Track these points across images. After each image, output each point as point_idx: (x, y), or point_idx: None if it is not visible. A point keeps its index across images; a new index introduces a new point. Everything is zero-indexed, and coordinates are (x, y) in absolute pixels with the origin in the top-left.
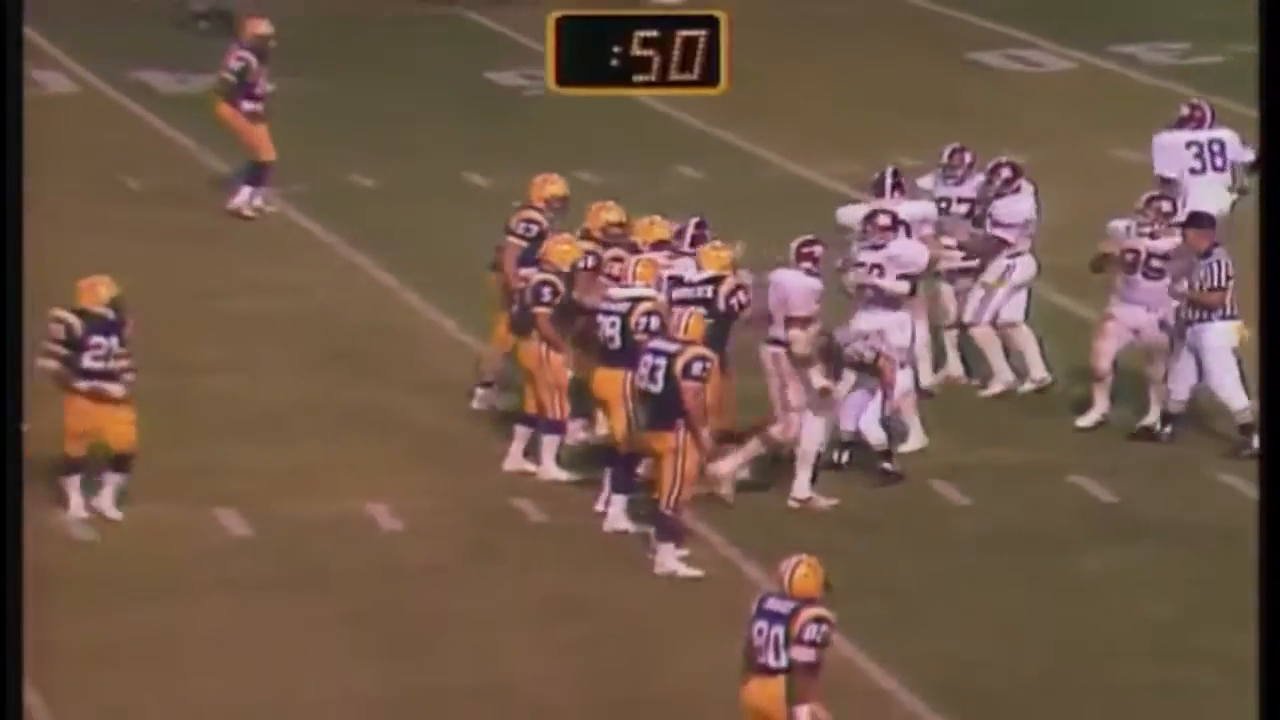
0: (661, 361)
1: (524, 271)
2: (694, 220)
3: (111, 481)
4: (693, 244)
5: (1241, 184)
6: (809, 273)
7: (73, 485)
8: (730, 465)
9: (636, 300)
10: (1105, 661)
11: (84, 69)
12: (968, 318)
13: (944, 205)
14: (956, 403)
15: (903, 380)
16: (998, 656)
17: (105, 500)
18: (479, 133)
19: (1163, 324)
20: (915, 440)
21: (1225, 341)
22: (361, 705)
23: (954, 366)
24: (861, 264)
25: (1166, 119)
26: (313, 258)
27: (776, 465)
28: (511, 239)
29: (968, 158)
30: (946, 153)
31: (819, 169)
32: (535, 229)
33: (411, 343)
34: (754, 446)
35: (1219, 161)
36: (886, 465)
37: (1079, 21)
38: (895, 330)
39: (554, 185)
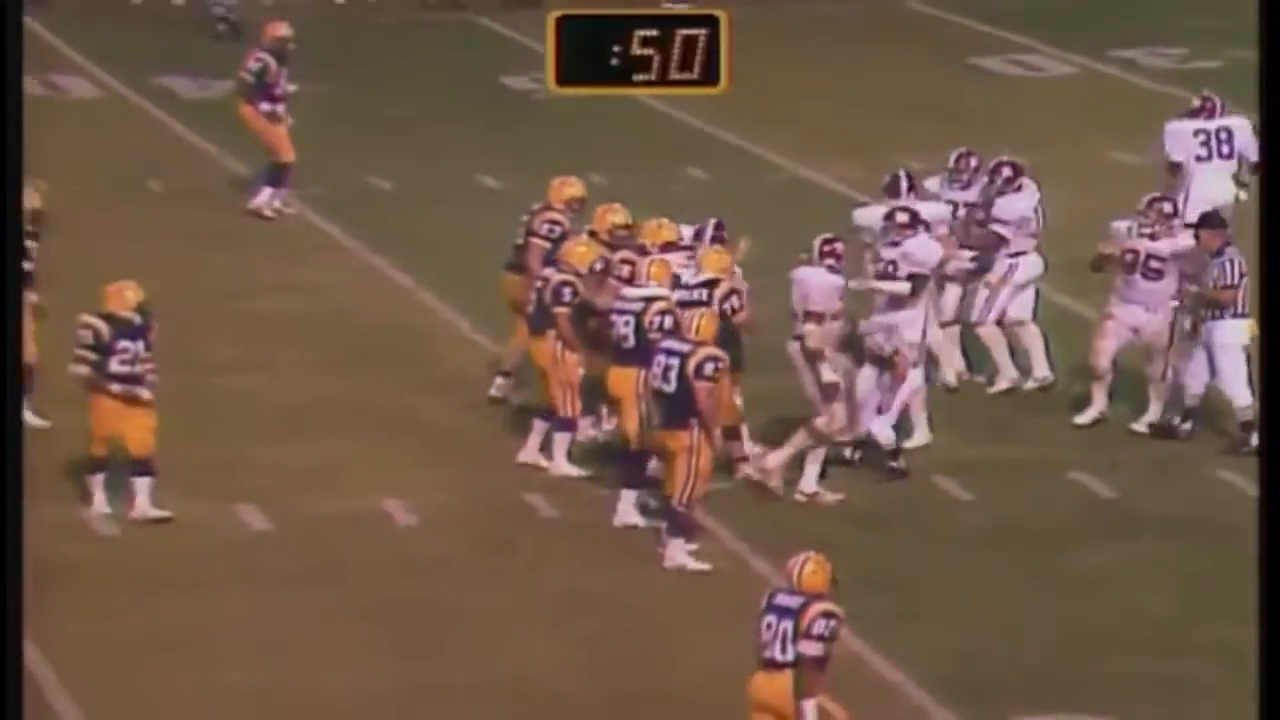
0: (675, 361)
1: (544, 272)
2: (712, 221)
3: (142, 486)
4: (712, 244)
5: (1243, 177)
6: (831, 270)
7: (96, 484)
8: (778, 459)
9: (650, 300)
10: (1105, 653)
11: (107, 75)
12: (974, 317)
13: (950, 209)
14: (959, 400)
15: (914, 377)
16: (1000, 649)
17: (143, 505)
18: (491, 136)
19: (1174, 323)
20: (920, 437)
21: (1236, 339)
22: (377, 695)
23: (957, 362)
24: (880, 260)
25: (1165, 121)
26: (331, 259)
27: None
28: (535, 240)
29: (973, 162)
30: (953, 157)
31: (822, 171)
32: (558, 230)
33: (427, 342)
34: (800, 440)
35: (1225, 150)
36: (893, 463)
37: (1079, 27)
38: (906, 327)
39: (572, 187)
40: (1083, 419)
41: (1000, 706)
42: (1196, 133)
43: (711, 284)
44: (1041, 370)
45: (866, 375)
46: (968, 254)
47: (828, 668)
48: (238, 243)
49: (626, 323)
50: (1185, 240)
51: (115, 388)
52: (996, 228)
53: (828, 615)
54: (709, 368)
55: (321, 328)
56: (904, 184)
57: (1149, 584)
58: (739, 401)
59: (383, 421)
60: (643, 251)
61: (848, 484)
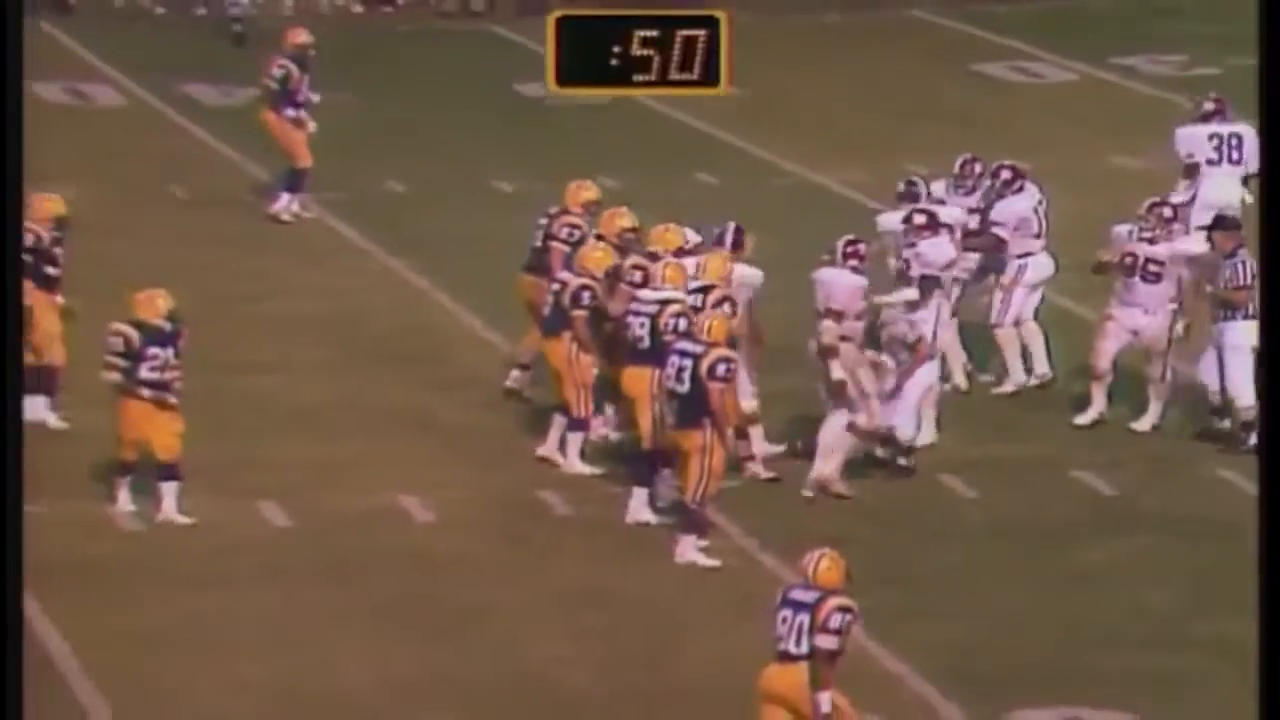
0: (688, 362)
1: (560, 275)
2: (732, 225)
3: (168, 491)
4: (734, 249)
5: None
6: (855, 270)
7: (122, 484)
8: (834, 465)
9: (665, 302)
10: (1106, 647)
11: (133, 83)
12: (991, 319)
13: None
14: (963, 399)
15: (926, 374)
16: (1003, 643)
17: (168, 508)
18: (505, 140)
19: (1173, 325)
20: (927, 435)
21: (1247, 340)
22: (394, 686)
23: (962, 358)
24: (900, 259)
25: (1165, 127)
26: (349, 261)
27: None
28: (556, 244)
29: (978, 168)
30: (958, 163)
31: (829, 175)
32: (578, 234)
33: (443, 342)
34: (849, 443)
35: (1235, 155)
36: (903, 460)
37: (1080, 34)
38: (919, 325)
39: (588, 191)
40: (1083, 419)
41: (1003, 699)
42: (1211, 136)
43: (706, 290)
44: (1042, 367)
45: (887, 378)
46: (973, 257)
47: (841, 661)
48: (259, 246)
49: (642, 324)
50: (1183, 244)
51: (145, 393)
52: (995, 230)
53: (843, 609)
54: (721, 369)
55: (340, 329)
56: (922, 189)
57: (1149, 579)
58: (756, 403)
59: (400, 420)
60: (653, 257)
61: (855, 481)
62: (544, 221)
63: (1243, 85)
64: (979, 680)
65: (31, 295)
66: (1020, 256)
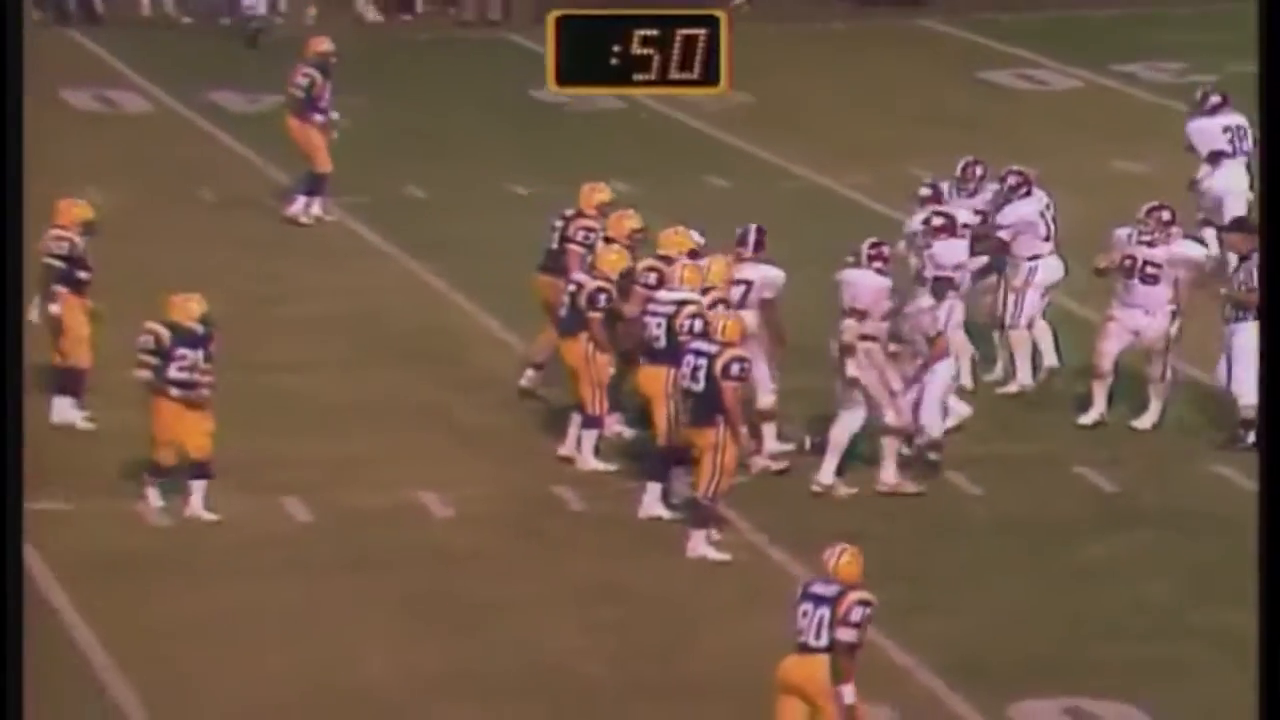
0: (703, 362)
1: (576, 277)
2: (754, 227)
3: (198, 488)
4: (756, 250)
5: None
6: (879, 272)
7: (153, 482)
8: (891, 470)
9: (682, 303)
10: (1109, 640)
11: (159, 90)
12: (1006, 321)
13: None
14: (966, 398)
15: (945, 369)
16: (1008, 636)
17: (196, 505)
18: (521, 146)
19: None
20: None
21: (1256, 342)
22: (413, 678)
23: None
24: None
25: (1166, 132)
26: (369, 264)
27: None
28: (572, 246)
29: (979, 171)
30: (960, 166)
31: (836, 179)
32: (593, 236)
33: (460, 342)
34: (890, 445)
35: (1245, 146)
36: (932, 455)
37: (1083, 43)
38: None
39: (601, 193)
40: (1085, 419)
41: (1007, 691)
42: (1225, 129)
43: (705, 292)
44: (1050, 360)
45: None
46: (981, 258)
47: (859, 653)
48: (283, 248)
49: (658, 324)
50: (1180, 248)
51: (174, 393)
52: (999, 233)
53: (864, 603)
54: (735, 368)
55: (361, 329)
56: (943, 191)
57: (1150, 573)
58: (773, 399)
59: (419, 418)
60: (666, 260)
61: (864, 476)
62: (559, 224)
63: (1240, 91)
64: (984, 672)
65: (63, 299)
66: (1030, 259)
